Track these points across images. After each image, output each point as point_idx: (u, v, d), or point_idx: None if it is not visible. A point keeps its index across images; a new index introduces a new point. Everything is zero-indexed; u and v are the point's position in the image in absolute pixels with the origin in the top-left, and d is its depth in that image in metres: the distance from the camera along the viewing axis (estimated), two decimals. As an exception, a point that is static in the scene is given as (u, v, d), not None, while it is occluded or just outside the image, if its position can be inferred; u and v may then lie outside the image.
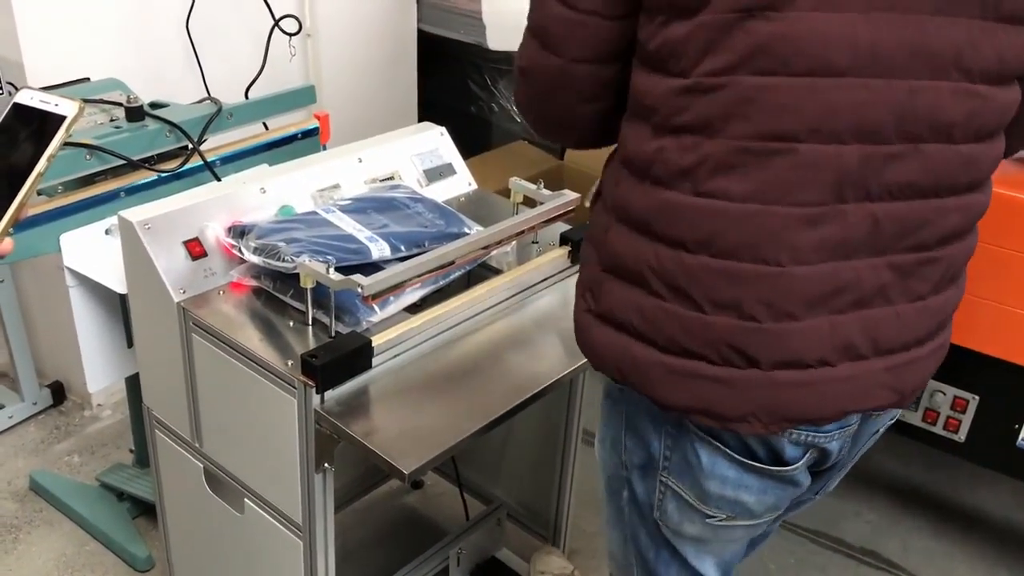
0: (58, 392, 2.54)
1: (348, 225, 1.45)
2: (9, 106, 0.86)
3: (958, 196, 1.01)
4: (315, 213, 1.49)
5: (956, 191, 1.01)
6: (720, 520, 1.14)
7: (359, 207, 1.52)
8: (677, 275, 0.99)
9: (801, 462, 1.09)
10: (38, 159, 0.83)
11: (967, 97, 0.96)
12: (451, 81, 3.32)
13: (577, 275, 1.15)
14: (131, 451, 2.22)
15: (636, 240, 1.02)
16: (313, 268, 1.29)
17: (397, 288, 1.34)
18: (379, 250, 1.40)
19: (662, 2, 0.95)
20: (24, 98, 0.86)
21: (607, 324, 1.07)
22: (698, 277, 0.98)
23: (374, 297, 1.30)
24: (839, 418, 1.05)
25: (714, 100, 0.94)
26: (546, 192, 1.60)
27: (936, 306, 1.06)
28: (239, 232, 1.43)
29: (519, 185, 1.63)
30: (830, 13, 0.91)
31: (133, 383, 1.82)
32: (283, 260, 1.34)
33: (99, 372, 1.76)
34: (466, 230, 1.53)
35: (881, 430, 1.19)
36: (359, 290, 1.27)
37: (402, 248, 1.43)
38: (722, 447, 1.07)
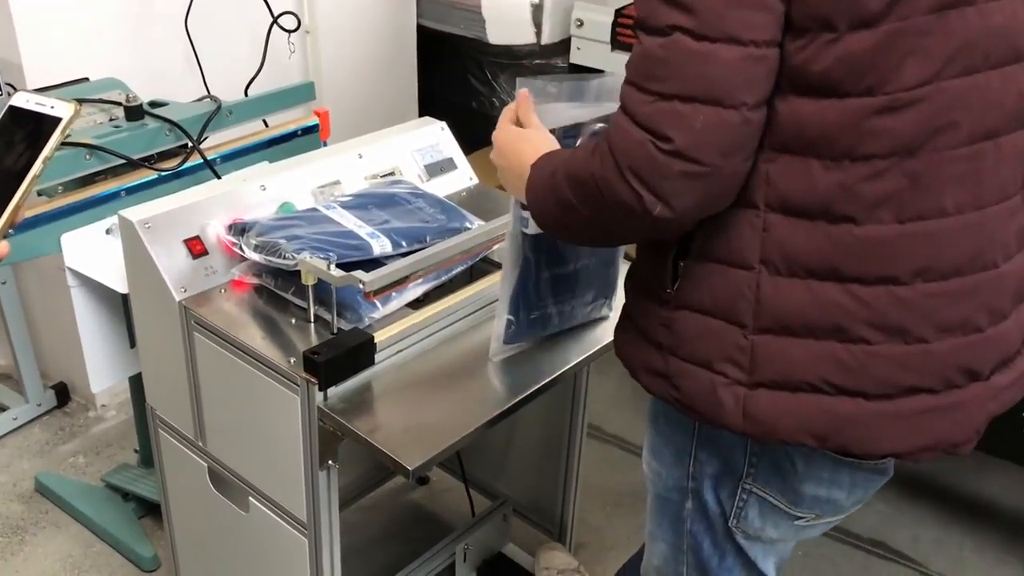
0: (62, 393, 2.54)
1: (349, 221, 1.45)
2: (5, 109, 0.86)
3: None
4: (316, 210, 1.48)
5: None
6: (809, 520, 1.12)
7: (360, 203, 1.51)
8: (887, 313, 0.93)
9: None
10: (34, 162, 0.82)
11: None
12: (452, 76, 3.31)
13: (649, 356, 1.04)
14: (136, 451, 2.21)
15: (815, 288, 0.93)
16: (314, 265, 1.29)
17: (399, 284, 1.33)
18: (380, 246, 1.40)
19: (831, 14, 0.85)
20: (20, 101, 0.85)
21: (781, 390, 0.97)
22: (916, 307, 0.93)
23: (376, 293, 1.30)
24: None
25: (917, 113, 0.88)
26: (548, 185, 1.59)
27: None
28: (240, 230, 1.42)
29: (520, 179, 1.62)
30: (1009, 1, 0.88)
31: (137, 383, 1.82)
32: (284, 257, 1.33)
33: (102, 372, 1.75)
34: (468, 225, 1.52)
35: None
36: (360, 286, 1.26)
37: (403, 244, 1.42)
38: (818, 448, 1.02)
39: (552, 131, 1.15)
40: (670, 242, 1.01)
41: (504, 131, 1.17)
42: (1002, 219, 0.95)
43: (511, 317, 1.32)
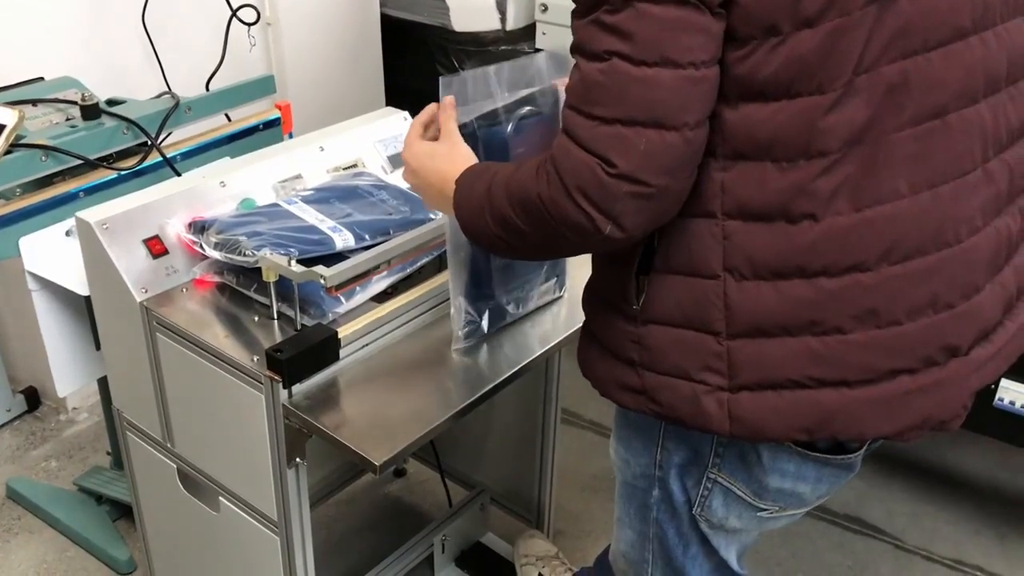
0: (32, 398, 2.51)
1: (311, 216, 1.43)
2: None
3: None
4: (277, 205, 1.47)
5: None
6: (772, 512, 1.13)
7: (321, 197, 1.49)
8: (856, 300, 0.93)
9: (864, 448, 1.07)
10: None
11: None
12: (418, 65, 3.28)
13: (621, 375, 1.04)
14: (108, 454, 2.20)
15: (783, 287, 0.94)
16: (274, 261, 1.27)
17: (362, 278, 1.32)
18: (343, 240, 1.38)
19: (775, 19, 0.86)
20: None
21: (764, 390, 0.97)
22: (884, 291, 0.93)
23: (339, 288, 1.29)
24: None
25: (859, 104, 0.88)
26: (512, 173, 1.58)
27: None
28: (199, 228, 1.41)
29: (484, 167, 1.61)
30: None
31: (106, 385, 1.79)
32: (244, 254, 1.32)
33: (68, 376, 1.73)
34: (431, 216, 1.51)
35: None
36: (322, 281, 1.25)
37: (367, 237, 1.40)
38: (808, 441, 1.03)
39: (465, 125, 1.15)
40: (628, 258, 1.01)
41: (415, 149, 1.16)
42: (961, 194, 0.95)
43: (470, 313, 1.31)
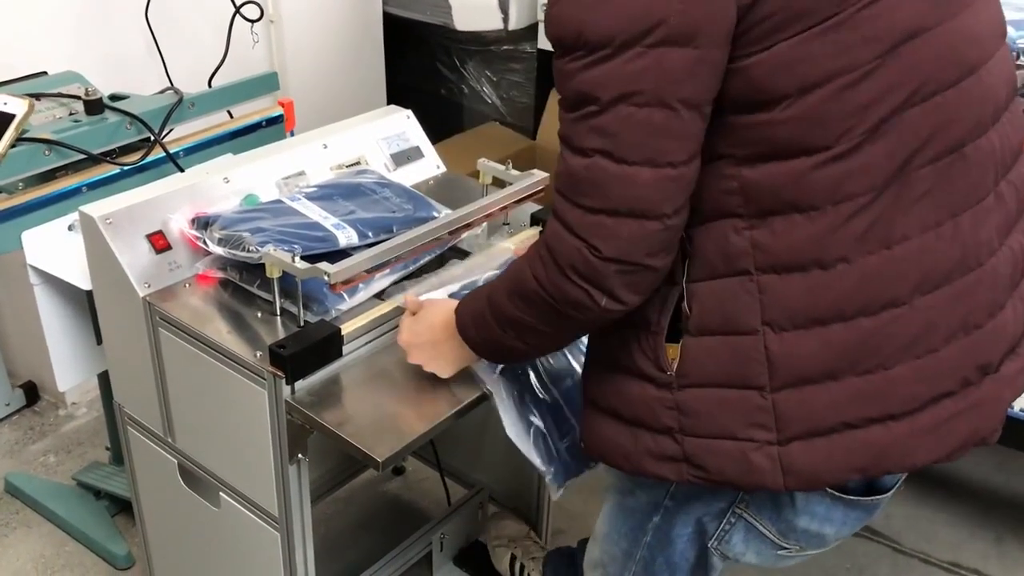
0: (31, 392, 2.51)
1: (314, 213, 1.43)
2: None
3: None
4: (280, 202, 1.47)
5: None
6: (791, 552, 1.13)
7: (325, 194, 1.49)
8: (895, 335, 0.96)
9: (895, 486, 1.10)
10: None
11: (1007, 51, 1.04)
12: (420, 64, 3.29)
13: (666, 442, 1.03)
14: (107, 449, 2.20)
15: (823, 334, 0.95)
16: (278, 257, 1.27)
17: (365, 275, 1.32)
18: (346, 237, 1.38)
19: (782, 87, 0.89)
20: None
21: (814, 437, 0.98)
22: (920, 322, 0.96)
23: (342, 284, 1.29)
24: None
25: (884, 148, 0.91)
26: (515, 172, 1.59)
27: None
28: (203, 223, 1.41)
29: (487, 166, 1.61)
30: (955, 20, 0.94)
31: (106, 380, 1.79)
32: (248, 250, 1.32)
33: (69, 370, 1.73)
34: (434, 214, 1.51)
35: None
36: (326, 278, 1.25)
37: (370, 235, 1.41)
38: (862, 480, 1.05)
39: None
40: (654, 324, 1.02)
41: (405, 328, 1.25)
42: (979, 220, 0.99)
43: (547, 468, 1.30)
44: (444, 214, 1.50)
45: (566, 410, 1.32)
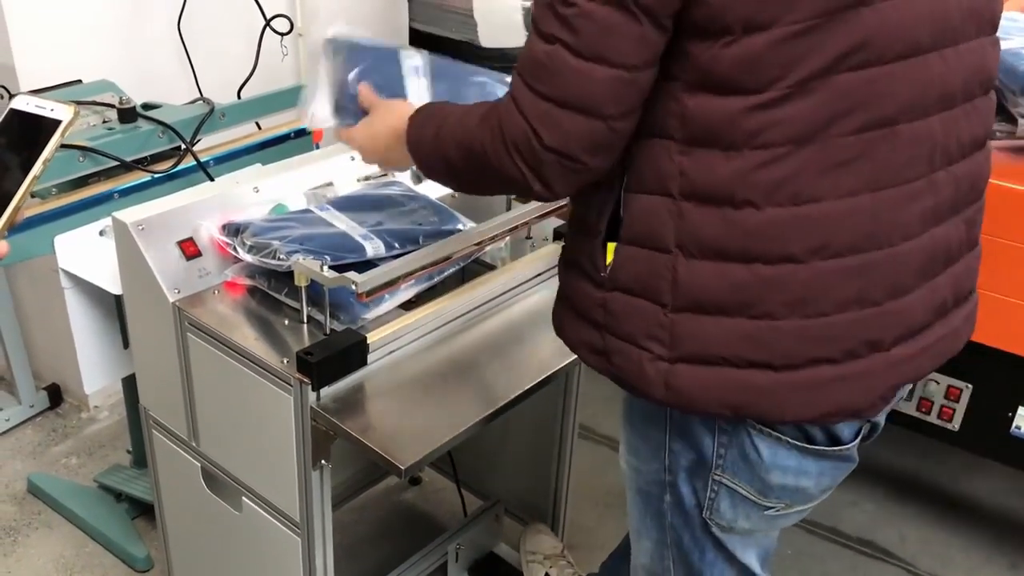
0: (55, 394, 2.54)
1: (342, 223, 1.46)
2: (6, 112, 0.87)
3: (988, 140, 1.09)
4: (309, 211, 1.49)
5: (990, 135, 1.09)
6: (779, 510, 1.16)
7: (353, 204, 1.52)
8: (788, 289, 0.98)
9: (857, 439, 1.12)
10: (33, 163, 0.84)
11: (996, 48, 1.04)
12: (444, 79, 3.32)
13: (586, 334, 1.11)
14: (128, 452, 2.22)
15: (724, 269, 0.99)
16: (308, 266, 1.30)
17: (391, 285, 1.34)
18: (374, 248, 1.41)
19: (728, 22, 0.92)
20: (20, 104, 0.87)
21: (699, 364, 1.02)
22: (815, 283, 0.98)
23: (368, 294, 1.31)
24: (934, 370, 1.10)
25: (809, 106, 0.93)
26: (539, 188, 1.60)
27: (979, 250, 1.13)
28: (233, 230, 1.43)
29: (512, 181, 1.63)
30: None
31: (130, 384, 1.82)
32: (277, 258, 1.34)
33: (95, 373, 1.76)
34: (460, 226, 1.53)
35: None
36: (353, 287, 1.28)
37: (396, 246, 1.43)
38: (782, 437, 1.08)
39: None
40: (596, 228, 1.08)
41: (358, 130, 1.30)
42: (901, 202, 1.00)
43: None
44: (469, 227, 1.52)
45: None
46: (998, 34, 1.08)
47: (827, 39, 0.92)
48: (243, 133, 1.99)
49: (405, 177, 1.70)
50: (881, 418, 1.16)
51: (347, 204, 1.52)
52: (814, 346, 1.00)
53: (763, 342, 1.00)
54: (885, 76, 0.95)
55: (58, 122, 0.86)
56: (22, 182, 0.83)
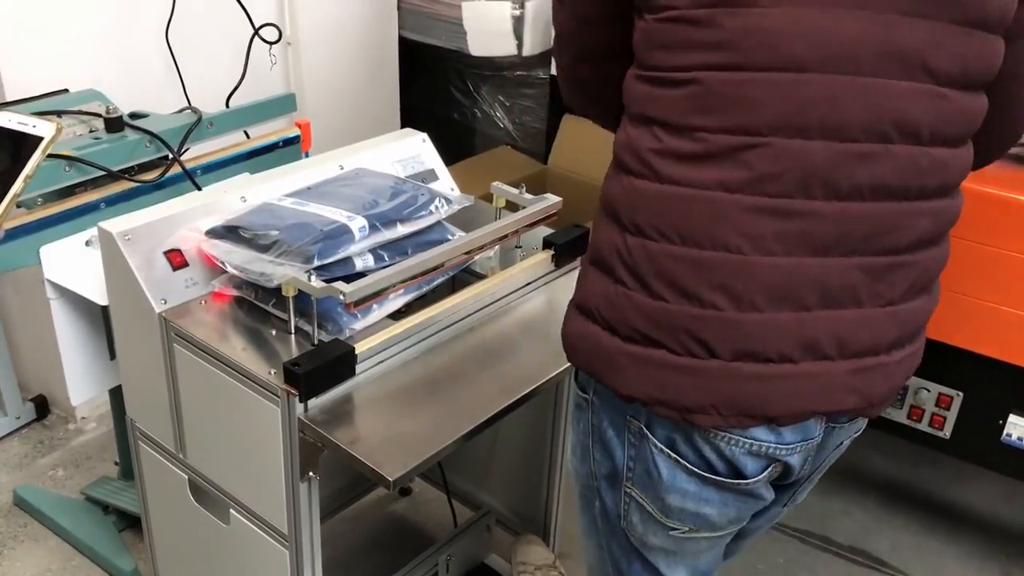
0: (41, 406, 2.52)
1: (325, 212, 1.44)
2: None
3: (928, 200, 1.01)
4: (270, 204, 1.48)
5: (926, 195, 1.00)
6: (683, 532, 1.13)
7: (325, 191, 1.51)
8: (640, 262, 1.01)
9: (762, 476, 1.07)
10: (14, 180, 0.83)
11: (933, 98, 0.96)
12: (433, 88, 3.32)
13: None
14: (116, 464, 2.20)
15: (610, 229, 1.05)
16: (295, 277, 1.29)
17: (380, 295, 1.34)
18: (358, 227, 1.39)
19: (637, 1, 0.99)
20: (2, 120, 0.86)
21: (581, 314, 1.09)
22: (660, 264, 0.99)
23: (356, 304, 1.30)
24: (802, 418, 1.03)
25: (680, 94, 0.97)
26: (528, 196, 1.60)
27: (906, 313, 1.04)
28: (219, 233, 1.42)
29: (501, 190, 1.63)
30: (791, 8, 0.92)
31: (117, 395, 1.80)
32: (263, 274, 1.33)
33: (82, 385, 1.75)
34: (448, 236, 1.52)
35: (846, 443, 1.16)
36: (341, 297, 1.27)
37: (378, 224, 1.41)
38: (681, 460, 1.05)
39: None
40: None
41: None
42: (755, 212, 0.96)
43: None
44: (458, 236, 1.51)
45: None
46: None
47: (708, 32, 0.94)
48: (231, 142, 1.98)
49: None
50: (794, 460, 1.07)
51: (315, 194, 1.51)
52: (653, 328, 1.00)
53: (616, 308, 1.03)
54: (751, 83, 0.93)
55: (40, 139, 0.85)
56: (2, 199, 0.83)
